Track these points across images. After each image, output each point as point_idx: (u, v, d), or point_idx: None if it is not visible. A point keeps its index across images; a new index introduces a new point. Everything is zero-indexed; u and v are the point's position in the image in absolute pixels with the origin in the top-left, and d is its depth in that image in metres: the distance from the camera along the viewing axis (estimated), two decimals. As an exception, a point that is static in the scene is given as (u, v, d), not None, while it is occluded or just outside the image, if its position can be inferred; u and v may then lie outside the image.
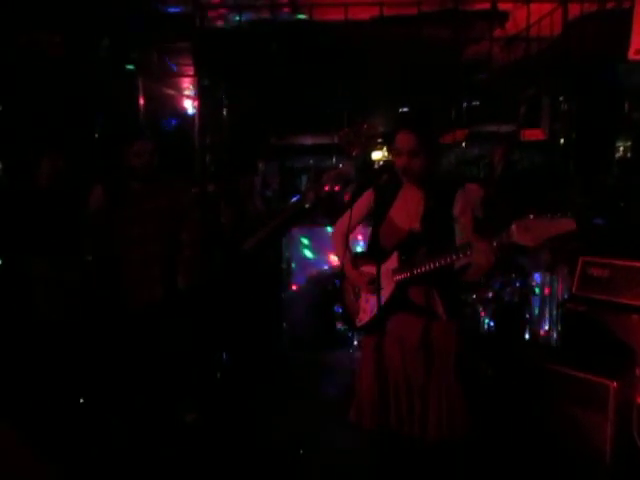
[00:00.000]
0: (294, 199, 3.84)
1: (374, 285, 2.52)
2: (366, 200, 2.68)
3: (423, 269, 2.37)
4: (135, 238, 3.43)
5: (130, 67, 5.66)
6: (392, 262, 2.49)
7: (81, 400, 3.69)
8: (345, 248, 2.73)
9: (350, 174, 3.30)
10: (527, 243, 2.06)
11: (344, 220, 2.75)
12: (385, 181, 2.62)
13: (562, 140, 5.67)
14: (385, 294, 2.49)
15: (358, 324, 2.64)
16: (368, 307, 2.59)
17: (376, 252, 2.56)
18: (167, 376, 3.61)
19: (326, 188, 3.45)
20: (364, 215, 2.69)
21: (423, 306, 2.46)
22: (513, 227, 2.06)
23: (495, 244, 2.14)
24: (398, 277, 2.45)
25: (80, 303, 3.70)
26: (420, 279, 2.41)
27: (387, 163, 2.48)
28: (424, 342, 2.45)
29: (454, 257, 2.28)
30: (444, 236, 2.41)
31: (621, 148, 6.28)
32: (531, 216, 2.04)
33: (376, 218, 2.61)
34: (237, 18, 5.39)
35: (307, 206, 3.51)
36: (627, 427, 2.86)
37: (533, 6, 5.37)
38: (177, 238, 3.50)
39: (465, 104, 6.27)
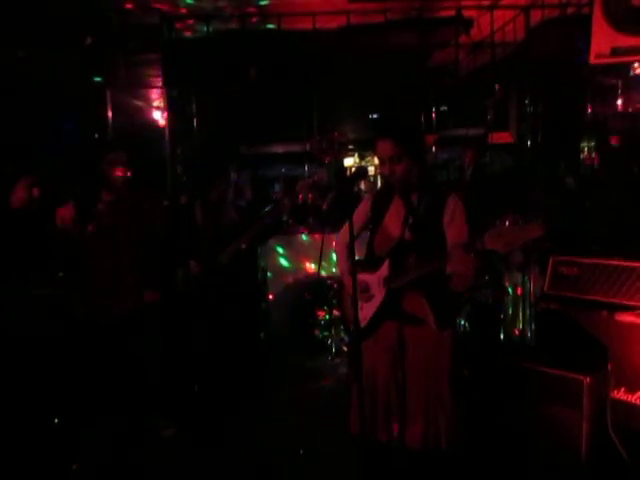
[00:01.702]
0: (267, 209, 3.84)
1: (367, 293, 2.55)
2: (363, 209, 2.67)
3: (411, 277, 2.38)
4: (107, 250, 3.41)
5: (98, 79, 5.61)
6: (384, 270, 2.49)
7: (55, 420, 3.61)
8: (346, 257, 2.70)
9: (324, 182, 3.30)
10: (499, 249, 2.11)
11: (345, 230, 2.74)
12: (381, 189, 2.63)
13: (529, 142, 5.78)
14: (376, 302, 2.51)
15: (354, 331, 2.65)
16: (362, 315, 2.57)
17: (372, 259, 2.57)
18: (143, 390, 3.56)
19: (300, 197, 3.45)
20: (363, 224, 2.68)
21: (413, 314, 2.47)
22: (487, 235, 2.12)
23: (470, 252, 2.19)
24: (389, 285, 2.46)
25: (51, 319, 3.64)
26: (410, 287, 2.42)
27: (360, 168, 2.47)
28: (418, 351, 2.46)
29: (435, 266, 2.30)
30: (434, 243, 2.41)
31: (585, 149, 6.45)
32: (506, 223, 2.11)
33: (372, 226, 2.62)
34: (205, 28, 5.37)
35: (284, 215, 3.51)
36: (601, 422, 2.92)
37: (496, 12, 5.49)
38: (149, 248, 3.49)
39: (434, 109, 6.36)
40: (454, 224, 2.42)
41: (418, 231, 2.45)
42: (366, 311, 2.57)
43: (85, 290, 3.46)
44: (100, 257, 3.42)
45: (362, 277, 2.59)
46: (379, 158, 2.46)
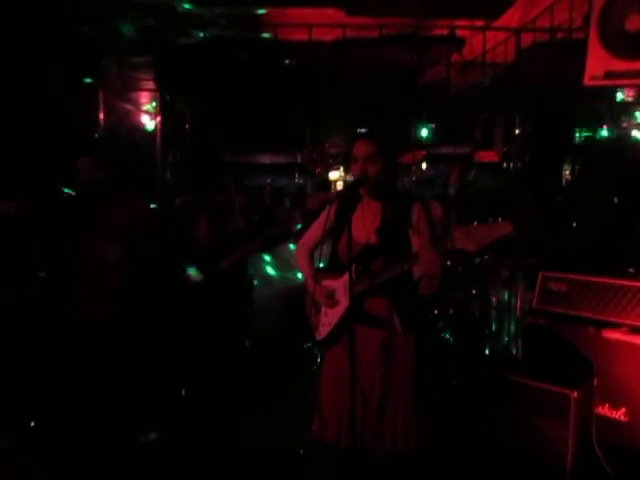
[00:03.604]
0: (277, 220, 3.78)
1: (332, 299, 2.55)
2: (328, 214, 2.64)
3: (377, 281, 2.39)
4: (88, 251, 3.38)
5: (89, 80, 5.58)
6: (352, 275, 2.49)
7: (32, 423, 3.54)
8: (309, 263, 2.75)
9: (332, 198, 3.30)
10: (469, 248, 2.13)
11: (308, 236, 2.79)
12: (346, 195, 2.64)
13: (517, 162, 5.89)
14: (342, 308, 2.50)
15: (317, 338, 2.64)
16: (327, 321, 2.58)
17: (336, 266, 2.57)
18: (125, 393, 3.51)
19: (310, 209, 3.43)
20: (327, 230, 2.61)
21: (379, 319, 2.48)
22: (455, 234, 2.14)
23: (439, 251, 2.21)
24: (355, 290, 2.41)
25: (32, 321, 3.60)
26: (376, 292, 2.43)
27: (360, 178, 2.49)
28: (382, 356, 2.46)
29: (404, 267, 2.32)
30: (400, 248, 2.43)
31: (567, 171, 6.60)
32: (474, 223, 2.12)
33: (336, 232, 2.61)
34: (201, 34, 5.39)
35: (293, 227, 3.49)
36: (587, 436, 2.96)
37: (489, 33, 5.61)
38: (134, 252, 3.47)
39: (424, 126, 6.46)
40: (420, 230, 2.44)
41: (384, 236, 2.47)
42: (331, 317, 2.56)
43: (69, 291, 3.43)
44: (83, 260, 3.40)
45: (327, 283, 2.59)
46: (355, 157, 2.48)
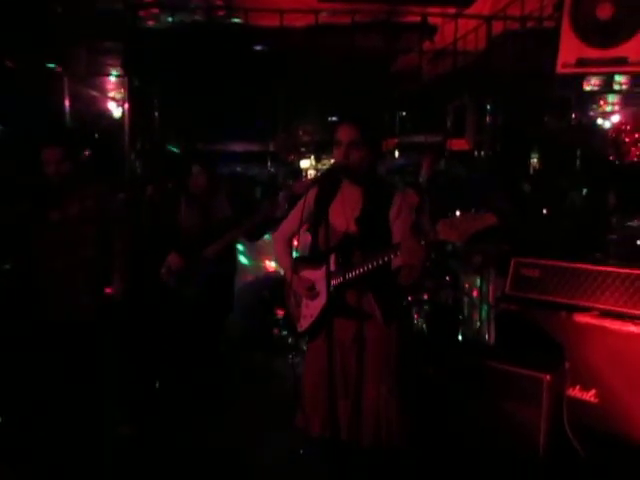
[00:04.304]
0: (262, 206, 3.69)
1: (312, 290, 2.50)
2: (307, 201, 2.55)
3: (357, 272, 2.34)
4: (58, 245, 3.28)
5: (52, 65, 5.40)
6: (330, 266, 2.40)
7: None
8: (288, 253, 2.70)
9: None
10: (453, 239, 2.10)
11: (285, 225, 2.72)
12: (325, 183, 2.58)
13: (487, 150, 5.95)
14: (322, 299, 2.46)
15: (299, 330, 2.59)
16: (308, 312, 2.54)
17: (316, 255, 2.51)
18: (100, 387, 3.45)
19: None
20: (306, 217, 2.55)
21: (360, 310, 2.45)
22: (439, 225, 2.10)
23: (423, 242, 2.16)
24: (334, 281, 2.39)
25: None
26: (356, 283, 2.39)
27: (339, 165, 2.42)
28: (356, 345, 2.43)
29: (385, 258, 2.26)
30: (380, 238, 2.39)
31: (534, 159, 6.69)
32: (457, 213, 2.10)
33: (315, 220, 2.54)
34: (170, 19, 5.27)
35: (279, 213, 3.41)
36: (558, 418, 3.02)
37: (460, 21, 5.63)
38: (107, 245, 3.38)
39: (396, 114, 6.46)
40: (400, 219, 2.41)
41: (364, 225, 2.42)
42: (312, 309, 2.52)
43: (37, 286, 3.34)
44: (51, 253, 3.30)
45: (307, 274, 2.50)
46: (338, 141, 2.38)
